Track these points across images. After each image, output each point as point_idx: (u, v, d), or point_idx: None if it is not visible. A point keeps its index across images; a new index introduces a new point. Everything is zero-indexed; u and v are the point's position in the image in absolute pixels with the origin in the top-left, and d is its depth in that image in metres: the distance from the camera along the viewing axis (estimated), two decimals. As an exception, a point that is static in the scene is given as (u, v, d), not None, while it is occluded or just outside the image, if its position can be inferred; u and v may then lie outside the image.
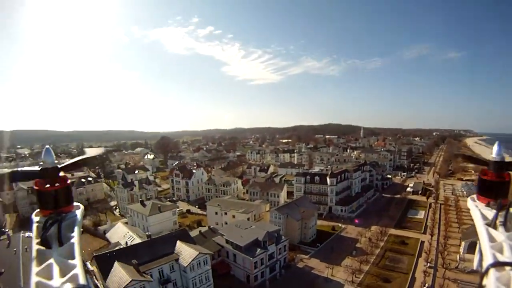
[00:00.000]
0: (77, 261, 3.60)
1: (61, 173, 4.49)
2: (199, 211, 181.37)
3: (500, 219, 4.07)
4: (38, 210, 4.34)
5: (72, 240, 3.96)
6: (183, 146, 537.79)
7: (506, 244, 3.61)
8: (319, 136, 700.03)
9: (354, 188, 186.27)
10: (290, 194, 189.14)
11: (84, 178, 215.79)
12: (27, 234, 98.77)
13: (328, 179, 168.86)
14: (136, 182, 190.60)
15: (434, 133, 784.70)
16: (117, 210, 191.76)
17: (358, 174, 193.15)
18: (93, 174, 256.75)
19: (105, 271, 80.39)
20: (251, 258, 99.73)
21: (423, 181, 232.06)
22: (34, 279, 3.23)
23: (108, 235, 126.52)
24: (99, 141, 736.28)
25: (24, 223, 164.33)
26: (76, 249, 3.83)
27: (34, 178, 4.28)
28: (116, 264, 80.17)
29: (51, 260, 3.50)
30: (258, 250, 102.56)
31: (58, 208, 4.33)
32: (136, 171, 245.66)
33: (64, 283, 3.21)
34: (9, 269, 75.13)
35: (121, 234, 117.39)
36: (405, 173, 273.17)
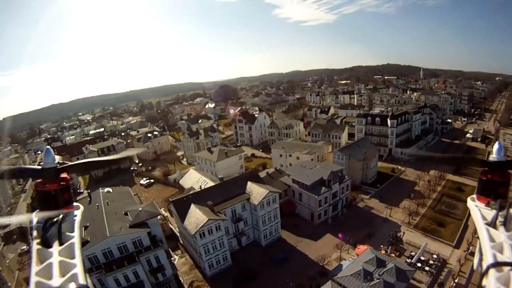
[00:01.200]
0: (77, 260, 3.82)
1: (62, 173, 4.73)
2: (263, 155, 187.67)
3: (500, 219, 4.23)
4: (38, 210, 4.52)
5: (72, 240, 4.16)
6: (241, 92, 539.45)
7: (506, 244, 3.77)
8: (377, 77, 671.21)
9: (414, 131, 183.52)
10: (350, 136, 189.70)
11: (150, 133, 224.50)
12: (106, 189, 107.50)
13: (388, 121, 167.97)
14: (201, 131, 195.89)
15: (497, 78, 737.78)
16: (184, 159, 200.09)
17: (418, 116, 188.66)
18: (157, 129, 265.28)
19: (182, 214, 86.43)
20: (316, 196, 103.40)
21: (483, 128, 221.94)
22: (34, 279, 3.42)
23: (181, 182, 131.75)
24: (157, 96, 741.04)
25: (96, 182, 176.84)
26: (76, 249, 4.04)
27: (35, 176, 4.63)
28: (192, 206, 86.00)
29: (51, 260, 3.70)
30: (323, 188, 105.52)
31: (58, 208, 4.57)
32: (200, 121, 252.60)
33: (64, 282, 3.42)
34: (93, 222, 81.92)
35: (194, 179, 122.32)
36: (466, 119, 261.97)
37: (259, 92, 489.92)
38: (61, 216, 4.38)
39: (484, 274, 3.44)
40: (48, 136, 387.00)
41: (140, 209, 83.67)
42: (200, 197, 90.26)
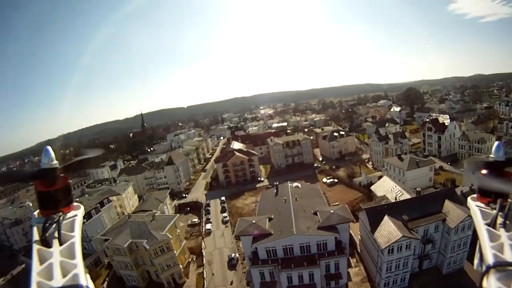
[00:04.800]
0: (77, 261, 3.80)
1: (62, 174, 4.66)
2: (452, 169, 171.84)
3: (500, 219, 4.22)
4: (38, 210, 4.56)
5: (72, 240, 4.14)
6: (425, 97, 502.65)
7: (507, 244, 3.79)
8: None
9: None
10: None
11: (335, 132, 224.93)
12: (294, 184, 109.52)
13: None
14: (390, 136, 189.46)
15: None
16: (370, 163, 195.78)
17: None
18: (341, 128, 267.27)
19: (373, 223, 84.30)
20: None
21: None
22: (34, 279, 3.40)
23: (372, 188, 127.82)
24: (338, 96, 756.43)
25: (277, 174, 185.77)
26: (77, 249, 4.02)
27: (32, 180, 4.58)
28: (386, 218, 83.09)
29: (52, 260, 3.69)
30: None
31: (58, 208, 4.55)
32: (386, 124, 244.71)
33: (65, 283, 3.41)
34: (279, 215, 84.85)
35: (387, 188, 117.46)
36: None
37: (443, 97, 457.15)
38: (61, 216, 4.40)
39: (485, 274, 3.48)
40: (231, 125, 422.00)
41: (332, 211, 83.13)
42: (395, 209, 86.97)
